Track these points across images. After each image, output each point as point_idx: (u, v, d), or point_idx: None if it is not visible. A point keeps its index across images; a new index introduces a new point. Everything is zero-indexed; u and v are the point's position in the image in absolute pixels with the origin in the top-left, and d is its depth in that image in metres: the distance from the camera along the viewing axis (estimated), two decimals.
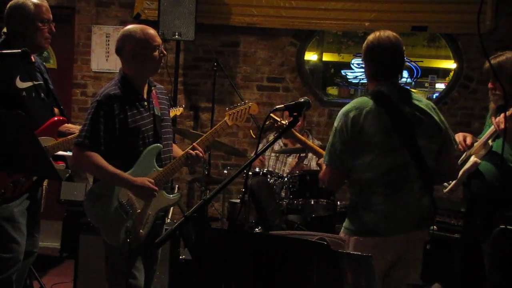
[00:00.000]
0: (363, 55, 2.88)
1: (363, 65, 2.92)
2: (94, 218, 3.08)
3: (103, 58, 6.22)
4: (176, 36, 5.48)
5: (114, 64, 6.08)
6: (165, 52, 3.10)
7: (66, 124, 3.44)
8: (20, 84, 3.22)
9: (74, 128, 3.45)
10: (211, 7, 5.91)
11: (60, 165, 3.39)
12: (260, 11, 5.99)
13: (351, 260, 2.06)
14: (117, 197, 3.03)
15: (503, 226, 2.62)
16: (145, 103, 3.07)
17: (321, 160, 2.95)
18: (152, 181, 3.01)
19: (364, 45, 2.87)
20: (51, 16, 3.32)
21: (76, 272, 4.10)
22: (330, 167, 2.81)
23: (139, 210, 3.03)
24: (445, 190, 3.51)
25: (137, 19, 6.07)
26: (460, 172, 3.37)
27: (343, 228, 2.84)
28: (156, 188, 3.01)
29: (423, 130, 2.76)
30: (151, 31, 3.06)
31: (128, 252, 2.96)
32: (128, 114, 3.00)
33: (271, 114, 2.96)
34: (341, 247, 2.13)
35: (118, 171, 2.97)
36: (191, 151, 3.12)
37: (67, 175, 3.48)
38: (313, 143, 5.18)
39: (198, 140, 3.19)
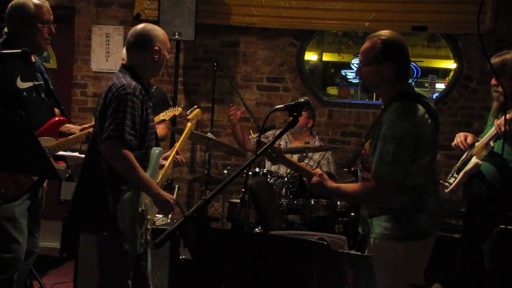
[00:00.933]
0: (386, 55, 2.70)
1: (380, 66, 2.71)
2: (124, 225, 2.92)
3: (103, 58, 6.21)
4: (176, 36, 5.48)
5: (114, 64, 6.07)
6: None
7: (66, 125, 3.44)
8: (21, 84, 3.22)
9: (74, 128, 3.45)
10: (211, 7, 5.91)
11: (61, 165, 3.39)
12: (260, 11, 5.99)
13: (351, 260, 2.06)
14: (141, 203, 2.96)
15: (503, 226, 2.62)
16: (150, 103, 3.08)
17: (316, 179, 2.76)
18: (174, 198, 3.02)
19: (386, 44, 2.70)
20: (51, 17, 3.32)
21: (76, 272, 4.09)
22: (391, 179, 2.64)
23: (149, 216, 3.04)
24: (446, 190, 3.50)
25: (137, 19, 6.07)
26: (462, 173, 3.37)
27: (379, 234, 2.68)
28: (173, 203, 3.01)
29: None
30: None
31: (136, 260, 2.99)
32: (148, 111, 3.00)
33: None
34: (341, 247, 2.13)
35: (149, 178, 2.92)
36: (177, 156, 3.21)
37: (67, 175, 3.49)
38: (319, 143, 5.22)
39: (177, 145, 3.30)
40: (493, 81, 3.36)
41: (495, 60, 3.32)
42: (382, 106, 2.81)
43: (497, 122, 3.21)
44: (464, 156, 3.46)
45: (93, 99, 6.20)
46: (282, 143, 5.29)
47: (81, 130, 3.43)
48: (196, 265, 2.08)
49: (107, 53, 6.19)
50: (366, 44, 2.77)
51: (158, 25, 5.44)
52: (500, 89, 3.27)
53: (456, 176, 3.44)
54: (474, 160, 3.32)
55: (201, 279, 2.12)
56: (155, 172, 3.02)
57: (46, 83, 3.39)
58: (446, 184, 3.50)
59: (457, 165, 3.51)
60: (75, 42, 6.27)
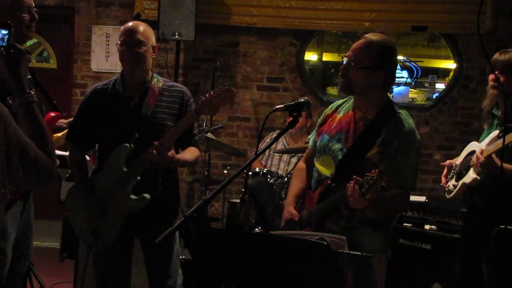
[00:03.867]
0: (381, 63, 2.63)
1: (373, 72, 2.64)
2: None
3: (103, 58, 6.21)
4: (176, 36, 5.48)
5: (114, 64, 6.07)
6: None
7: (59, 120, 3.39)
8: None
9: (67, 123, 3.40)
10: (211, 7, 5.91)
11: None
12: (260, 11, 5.99)
13: (351, 260, 2.06)
14: None
15: (503, 226, 2.62)
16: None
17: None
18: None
19: (384, 51, 2.64)
20: (31, 2, 3.15)
21: (76, 272, 4.09)
22: (411, 190, 2.72)
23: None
24: (448, 196, 3.51)
25: (137, 19, 6.07)
26: (461, 184, 3.38)
27: (373, 250, 2.60)
28: None
29: None
30: None
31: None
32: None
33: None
34: (341, 247, 2.13)
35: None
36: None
37: (67, 175, 3.49)
38: None
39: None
40: (492, 77, 3.31)
41: (502, 57, 3.28)
42: (362, 114, 2.73)
43: (477, 153, 3.21)
44: (463, 158, 3.45)
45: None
46: (279, 145, 5.29)
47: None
48: (196, 265, 2.08)
49: (107, 53, 6.19)
50: (361, 45, 2.66)
51: (158, 25, 5.51)
52: (495, 83, 3.24)
53: (456, 183, 3.44)
54: (472, 175, 3.32)
55: (201, 279, 2.12)
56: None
57: (32, 76, 3.30)
58: (446, 188, 3.51)
59: (457, 164, 3.49)
60: (75, 42, 6.26)
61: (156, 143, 2.85)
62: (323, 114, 2.93)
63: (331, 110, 2.87)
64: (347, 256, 2.05)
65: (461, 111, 5.99)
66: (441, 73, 8.92)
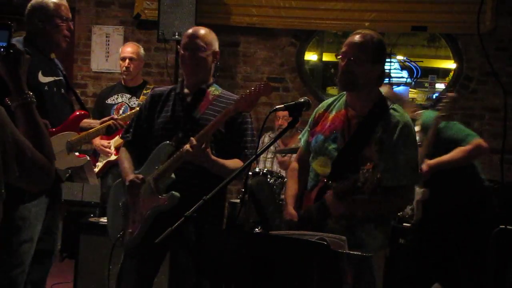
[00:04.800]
0: (380, 56, 2.68)
1: (373, 66, 2.66)
2: None
3: (103, 58, 6.22)
4: (176, 36, 5.48)
5: (114, 64, 6.07)
6: None
7: (85, 120, 3.48)
8: (42, 79, 3.27)
9: (94, 122, 3.51)
10: (211, 7, 5.91)
11: (82, 158, 3.43)
12: (260, 11, 5.99)
13: (351, 260, 2.06)
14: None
15: (503, 226, 2.62)
16: None
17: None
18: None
19: (380, 45, 2.69)
20: (70, 14, 3.40)
21: (76, 272, 4.09)
22: (413, 184, 2.77)
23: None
24: (413, 221, 3.69)
25: (137, 19, 6.07)
26: (415, 203, 3.51)
27: (377, 247, 2.65)
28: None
29: None
30: None
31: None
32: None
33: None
34: (341, 247, 2.13)
35: None
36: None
37: (67, 175, 3.48)
38: None
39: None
40: None
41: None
42: (355, 112, 2.71)
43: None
44: None
45: (93, 99, 6.19)
46: (271, 148, 5.29)
47: (100, 124, 3.49)
48: (196, 265, 2.08)
49: (107, 53, 6.19)
50: (359, 39, 2.67)
51: (158, 26, 5.51)
52: None
53: (411, 206, 3.57)
54: (419, 190, 3.45)
55: (201, 279, 2.12)
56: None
57: (65, 79, 3.44)
58: (407, 216, 3.66)
59: None
60: (75, 42, 6.26)
61: (192, 138, 2.75)
62: (315, 113, 2.89)
63: (323, 109, 2.84)
64: (347, 256, 2.05)
65: (461, 111, 5.98)
66: (441, 73, 8.92)
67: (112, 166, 4.54)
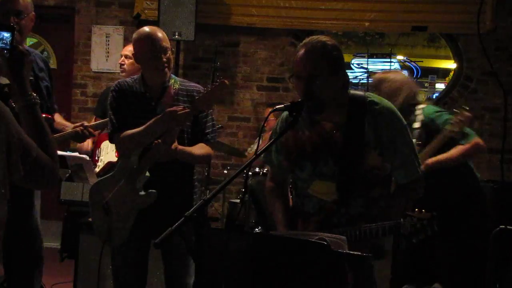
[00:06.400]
0: (341, 63, 2.43)
1: (337, 76, 2.41)
2: None
3: (103, 58, 6.22)
4: (176, 36, 5.48)
5: (114, 64, 6.07)
6: None
7: (59, 121, 3.39)
8: (3, 80, 3.15)
9: (68, 126, 3.41)
10: (211, 7, 5.91)
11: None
12: (260, 11, 5.99)
13: (351, 260, 2.06)
14: None
15: (503, 226, 2.62)
16: None
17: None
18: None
19: (338, 51, 2.43)
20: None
21: (76, 272, 4.09)
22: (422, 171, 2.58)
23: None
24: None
25: (137, 19, 6.07)
26: None
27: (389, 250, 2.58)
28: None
29: None
30: None
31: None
32: None
33: None
34: (341, 247, 2.13)
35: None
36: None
37: (67, 175, 3.49)
38: None
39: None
40: None
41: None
42: (333, 123, 2.46)
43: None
44: None
45: (93, 99, 6.20)
46: (255, 147, 5.29)
47: (73, 128, 3.39)
48: (196, 265, 2.08)
49: (107, 53, 6.19)
50: (312, 53, 2.37)
51: (158, 25, 5.50)
52: None
53: None
54: None
55: (201, 279, 2.12)
56: None
57: (36, 79, 3.31)
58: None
59: None
60: (75, 42, 6.26)
61: (158, 140, 2.91)
62: (275, 132, 2.59)
63: (284, 128, 2.44)
64: (347, 256, 2.05)
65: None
66: (441, 73, 8.91)
67: (113, 167, 4.53)
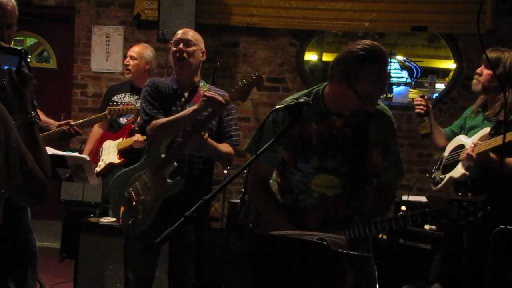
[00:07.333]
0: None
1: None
2: None
3: (103, 58, 6.21)
4: None
5: (114, 64, 6.07)
6: None
7: (44, 119, 3.34)
8: None
9: (53, 124, 3.37)
10: (211, 7, 5.91)
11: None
12: (260, 11, 5.99)
13: (351, 260, 2.06)
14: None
15: (503, 226, 2.62)
16: None
17: None
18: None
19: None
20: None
21: (76, 272, 4.09)
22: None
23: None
24: (434, 188, 3.56)
25: (137, 19, 6.07)
26: (448, 177, 3.42)
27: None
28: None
29: None
30: None
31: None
32: None
33: None
34: (341, 247, 2.13)
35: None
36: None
37: (67, 175, 3.48)
38: None
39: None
40: (479, 70, 3.54)
41: (491, 54, 3.41)
42: (343, 119, 2.50)
43: (469, 150, 3.29)
44: (450, 151, 3.51)
45: (93, 99, 6.21)
46: None
47: (57, 127, 3.34)
48: (196, 265, 2.08)
49: (107, 53, 6.19)
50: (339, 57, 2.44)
51: (158, 25, 5.51)
52: (481, 78, 3.53)
53: (442, 176, 3.49)
54: (461, 170, 3.37)
55: (201, 279, 2.12)
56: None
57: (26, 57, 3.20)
58: (431, 180, 3.58)
59: (445, 155, 3.55)
60: (75, 42, 6.26)
61: (189, 128, 3.13)
62: (270, 133, 2.50)
63: (283, 128, 2.34)
64: (347, 256, 2.05)
65: (461, 111, 5.96)
66: (441, 73, 8.91)
67: (114, 167, 4.53)
